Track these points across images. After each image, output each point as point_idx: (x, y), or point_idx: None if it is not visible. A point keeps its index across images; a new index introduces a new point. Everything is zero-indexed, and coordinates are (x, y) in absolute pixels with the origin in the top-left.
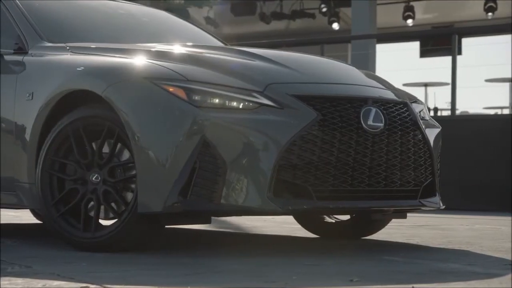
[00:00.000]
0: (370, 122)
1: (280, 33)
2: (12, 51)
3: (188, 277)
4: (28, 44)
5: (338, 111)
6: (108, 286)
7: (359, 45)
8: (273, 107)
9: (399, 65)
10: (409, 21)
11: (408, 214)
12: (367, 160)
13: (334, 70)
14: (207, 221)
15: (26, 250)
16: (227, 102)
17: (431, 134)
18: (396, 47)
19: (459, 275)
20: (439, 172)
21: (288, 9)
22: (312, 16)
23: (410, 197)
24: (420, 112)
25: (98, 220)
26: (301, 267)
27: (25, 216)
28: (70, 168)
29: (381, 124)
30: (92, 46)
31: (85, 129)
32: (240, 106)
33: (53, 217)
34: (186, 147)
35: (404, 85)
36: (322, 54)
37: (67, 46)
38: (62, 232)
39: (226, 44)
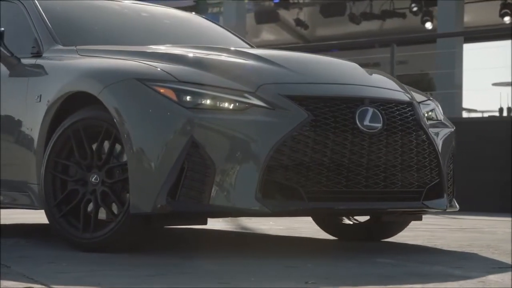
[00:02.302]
0: (366, 122)
1: (372, 34)
2: (30, 54)
3: (147, 278)
4: (43, 47)
5: (331, 112)
6: (54, 286)
7: (446, 44)
8: (264, 108)
9: (495, 64)
10: (506, 19)
11: (458, 217)
12: (363, 161)
13: (333, 69)
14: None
15: (27, 250)
16: (217, 103)
17: (441, 134)
18: (496, 45)
19: (428, 277)
20: (451, 173)
21: (378, 9)
22: (403, 15)
23: (412, 198)
24: (430, 112)
25: (96, 221)
26: (274, 269)
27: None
28: (72, 169)
29: (379, 125)
30: (99, 49)
31: (85, 130)
32: (231, 107)
33: (55, 218)
34: (174, 148)
35: (494, 84)
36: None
37: (76, 49)
38: (63, 232)
39: (252, 46)
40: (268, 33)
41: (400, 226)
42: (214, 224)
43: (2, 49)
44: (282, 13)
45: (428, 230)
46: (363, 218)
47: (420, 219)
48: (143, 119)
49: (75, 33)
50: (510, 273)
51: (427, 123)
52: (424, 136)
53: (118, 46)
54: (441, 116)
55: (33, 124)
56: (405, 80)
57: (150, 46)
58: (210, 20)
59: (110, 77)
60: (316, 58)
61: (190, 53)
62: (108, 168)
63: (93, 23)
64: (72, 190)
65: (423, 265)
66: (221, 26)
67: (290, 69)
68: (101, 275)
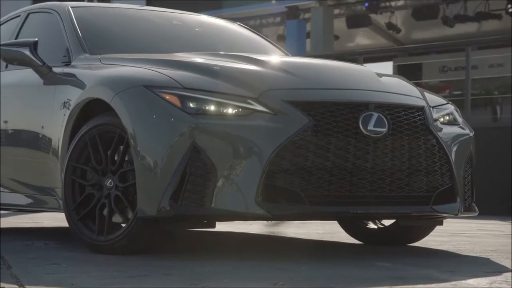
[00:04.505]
0: (370, 127)
1: (469, 36)
2: (61, 63)
3: (127, 279)
4: (72, 56)
5: (334, 117)
6: (28, 286)
7: None
8: (266, 113)
9: None
10: None
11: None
12: (367, 165)
13: (339, 75)
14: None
15: (46, 252)
16: (220, 108)
17: (456, 138)
18: None
19: (404, 280)
20: (469, 177)
21: (472, 11)
22: (498, 17)
23: (421, 203)
24: (446, 116)
25: (110, 224)
26: (261, 271)
27: None
28: (89, 174)
29: (384, 129)
30: (120, 57)
31: (100, 136)
32: (233, 113)
33: (74, 221)
34: (177, 153)
35: None
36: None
37: (99, 58)
38: (81, 234)
39: (287, 54)
40: (362, 38)
41: (425, 230)
42: (248, 227)
43: (35, 59)
44: (374, 17)
45: (470, 235)
46: (388, 223)
47: (441, 223)
48: (149, 124)
49: (104, 42)
50: (492, 277)
51: (439, 127)
52: (434, 140)
53: (139, 54)
54: (459, 120)
55: (57, 130)
56: (498, 83)
57: (173, 54)
58: (245, 27)
59: (120, 85)
60: (324, 64)
61: (201, 60)
62: (121, 173)
63: (124, 31)
64: (89, 194)
65: (416, 269)
66: (255, 33)
67: (295, 75)
68: (86, 276)
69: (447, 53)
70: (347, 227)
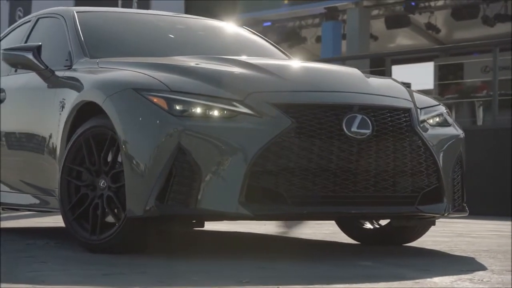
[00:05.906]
0: (354, 128)
1: (510, 36)
2: (64, 66)
3: (101, 277)
4: (73, 59)
5: (317, 119)
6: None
7: None
8: (251, 116)
9: None
10: None
11: None
12: (352, 167)
13: (326, 77)
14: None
15: (43, 251)
16: (206, 111)
17: (445, 139)
18: None
19: (375, 278)
20: (458, 178)
21: None
22: None
23: (406, 203)
24: (436, 117)
25: (103, 224)
26: (241, 269)
27: None
28: (84, 175)
29: (368, 131)
30: (117, 61)
31: (94, 138)
32: (218, 115)
33: (69, 220)
34: (163, 155)
35: None
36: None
37: (97, 61)
38: (76, 234)
39: (289, 57)
40: (402, 38)
41: (419, 231)
42: (255, 226)
43: (38, 63)
44: (413, 17)
45: (475, 236)
46: (384, 223)
47: (433, 223)
48: (137, 127)
49: (105, 46)
50: (461, 275)
51: (426, 128)
52: (420, 141)
53: (135, 58)
54: (449, 121)
55: (57, 132)
56: None
57: (169, 58)
58: (251, 31)
59: (111, 88)
60: (311, 67)
61: (192, 63)
62: (113, 174)
63: (125, 35)
64: (84, 195)
65: (392, 268)
66: (260, 36)
67: (281, 78)
68: (64, 274)
69: (489, 53)
70: (344, 228)
